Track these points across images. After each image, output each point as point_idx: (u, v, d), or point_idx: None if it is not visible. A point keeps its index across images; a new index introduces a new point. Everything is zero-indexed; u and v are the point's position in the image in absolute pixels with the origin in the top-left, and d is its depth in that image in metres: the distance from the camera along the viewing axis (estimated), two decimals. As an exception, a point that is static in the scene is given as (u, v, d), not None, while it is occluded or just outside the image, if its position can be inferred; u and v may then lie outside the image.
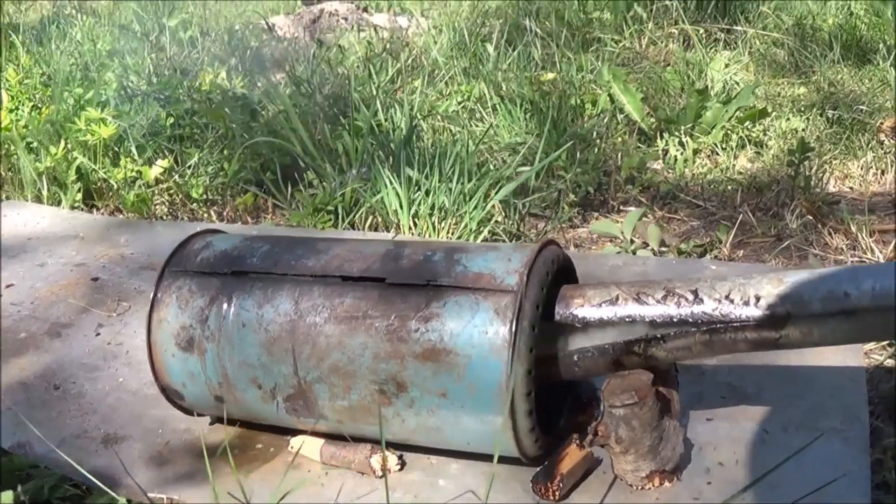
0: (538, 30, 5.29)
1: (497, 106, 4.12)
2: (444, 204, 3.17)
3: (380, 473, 1.74)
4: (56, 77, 4.42)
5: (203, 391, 1.83)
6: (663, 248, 2.76)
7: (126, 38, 5.96)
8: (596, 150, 3.76)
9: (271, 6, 8.11)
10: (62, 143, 3.71)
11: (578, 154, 3.68)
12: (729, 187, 3.52)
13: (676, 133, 3.85)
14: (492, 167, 3.46)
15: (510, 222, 3.27)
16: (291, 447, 1.87)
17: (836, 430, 1.79)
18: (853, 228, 2.66)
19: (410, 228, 3.09)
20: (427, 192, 3.21)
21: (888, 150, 3.69)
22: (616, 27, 5.63)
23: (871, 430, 1.76)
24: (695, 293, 1.76)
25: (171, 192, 3.46)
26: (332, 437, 1.82)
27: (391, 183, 3.24)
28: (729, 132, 3.84)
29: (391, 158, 3.39)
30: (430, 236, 3.03)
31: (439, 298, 1.86)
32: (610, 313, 1.81)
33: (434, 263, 1.92)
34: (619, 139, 4.04)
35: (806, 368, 2.20)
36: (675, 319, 1.76)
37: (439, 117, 4.04)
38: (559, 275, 1.94)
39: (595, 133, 3.98)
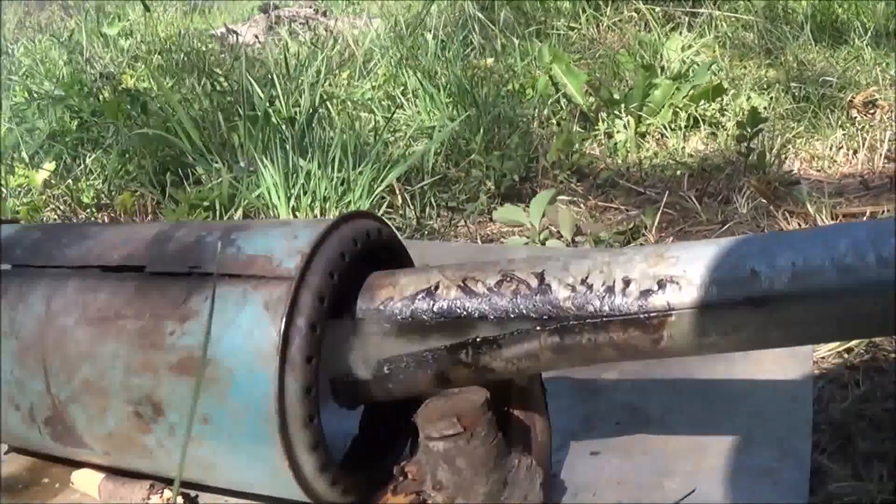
0: (481, 16, 4.75)
1: (417, 91, 3.58)
2: (327, 192, 2.63)
3: (161, 518, 1.42)
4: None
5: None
6: (579, 238, 2.19)
7: (54, 45, 5.57)
8: (525, 134, 3.22)
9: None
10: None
11: (508, 140, 3.13)
12: (678, 172, 2.99)
13: (621, 115, 3.29)
14: (394, 152, 2.92)
15: (410, 214, 2.73)
16: (72, 483, 1.58)
17: (766, 469, 1.39)
18: (811, 210, 2.10)
19: None
20: (308, 178, 2.68)
21: (860, 127, 3.13)
22: (574, 15, 5.11)
23: (813, 471, 1.24)
24: (540, 277, 1.21)
25: (64, 197, 3.32)
26: (116, 470, 1.51)
27: (270, 172, 2.71)
28: (679, 111, 3.28)
29: (281, 148, 2.87)
30: None
31: (201, 290, 1.34)
32: (426, 307, 1.26)
33: (204, 246, 1.40)
34: (557, 124, 3.49)
35: (736, 383, 1.66)
36: (512, 314, 1.21)
37: (348, 104, 3.50)
38: (375, 259, 1.39)
39: (529, 118, 3.43)
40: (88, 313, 1.42)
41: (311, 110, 3.18)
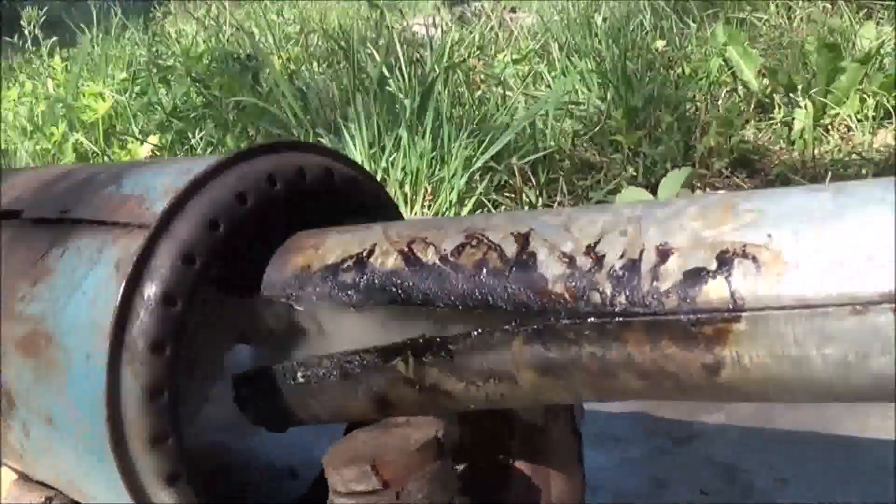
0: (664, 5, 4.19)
1: (565, 69, 3.08)
2: (418, 165, 2.18)
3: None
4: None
5: None
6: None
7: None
8: (682, 118, 2.66)
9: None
10: (61, 124, 3.34)
11: (664, 124, 2.58)
12: (863, 170, 2.35)
13: (799, 102, 2.66)
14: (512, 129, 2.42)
15: (530, 197, 2.23)
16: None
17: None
18: None
19: None
20: (396, 148, 2.24)
21: None
22: (765, 5, 4.44)
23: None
24: (522, 242, 0.69)
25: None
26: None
27: (357, 142, 2.28)
28: (867, 98, 2.63)
29: (394, 121, 2.46)
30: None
31: (62, 242, 0.91)
32: (350, 282, 0.77)
33: (90, 186, 0.99)
34: (727, 110, 2.88)
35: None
36: (471, 301, 0.69)
37: (481, 76, 3.03)
38: (330, 218, 0.91)
39: (691, 101, 2.86)
40: None
41: (429, 84, 2.72)
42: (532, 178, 2.29)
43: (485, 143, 2.26)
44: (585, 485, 0.95)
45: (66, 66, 4.20)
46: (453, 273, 0.74)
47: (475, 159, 2.22)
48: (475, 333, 0.73)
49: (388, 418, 0.85)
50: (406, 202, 2.19)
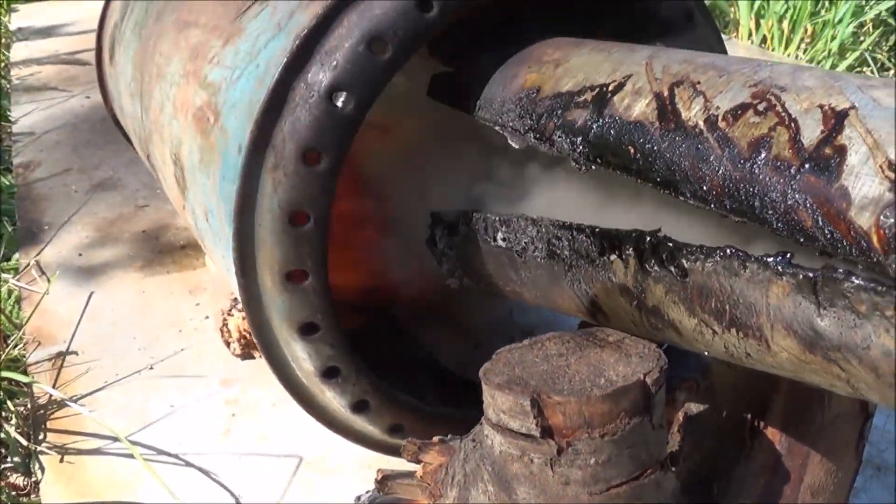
0: None
1: None
2: (803, 4, 1.83)
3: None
4: None
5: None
6: None
7: None
8: None
9: None
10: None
11: None
12: None
13: None
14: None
15: None
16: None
17: None
18: None
19: (751, 33, 1.82)
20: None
21: None
22: None
23: None
24: (833, 125, 0.41)
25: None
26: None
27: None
28: None
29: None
30: (772, 49, 1.79)
31: None
32: (581, 125, 0.53)
33: None
34: None
35: None
36: (732, 200, 0.43)
37: None
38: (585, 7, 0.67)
39: None
40: (182, 14, 0.97)
41: None
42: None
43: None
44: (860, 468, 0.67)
45: None
46: (717, 148, 0.48)
47: (869, 6, 1.79)
48: (720, 253, 0.46)
49: (598, 329, 0.60)
50: (781, 41, 1.84)
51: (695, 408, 0.68)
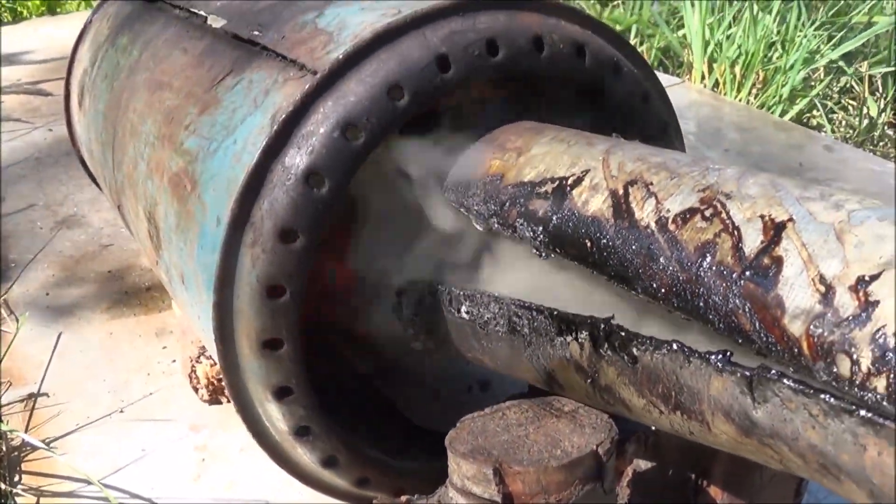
0: None
1: None
2: (754, 47, 1.90)
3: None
4: None
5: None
6: None
7: None
8: None
9: None
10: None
11: None
12: None
13: None
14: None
15: (866, 109, 1.89)
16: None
17: None
18: None
19: (704, 77, 1.90)
20: (730, 25, 1.97)
21: None
22: None
23: None
24: (772, 235, 0.46)
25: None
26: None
27: (697, 11, 2.02)
28: None
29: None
30: (724, 93, 1.86)
31: (241, 69, 0.80)
32: (542, 215, 0.58)
33: (296, 6, 0.80)
34: None
35: None
36: (679, 299, 0.48)
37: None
38: (547, 92, 0.72)
39: None
40: (154, 74, 1.01)
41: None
42: (881, 89, 1.91)
43: (835, 40, 1.90)
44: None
45: None
46: (667, 249, 0.53)
47: (820, 55, 1.87)
48: (667, 347, 0.51)
49: (554, 398, 0.65)
50: (733, 85, 1.91)
51: (643, 464, 0.74)
